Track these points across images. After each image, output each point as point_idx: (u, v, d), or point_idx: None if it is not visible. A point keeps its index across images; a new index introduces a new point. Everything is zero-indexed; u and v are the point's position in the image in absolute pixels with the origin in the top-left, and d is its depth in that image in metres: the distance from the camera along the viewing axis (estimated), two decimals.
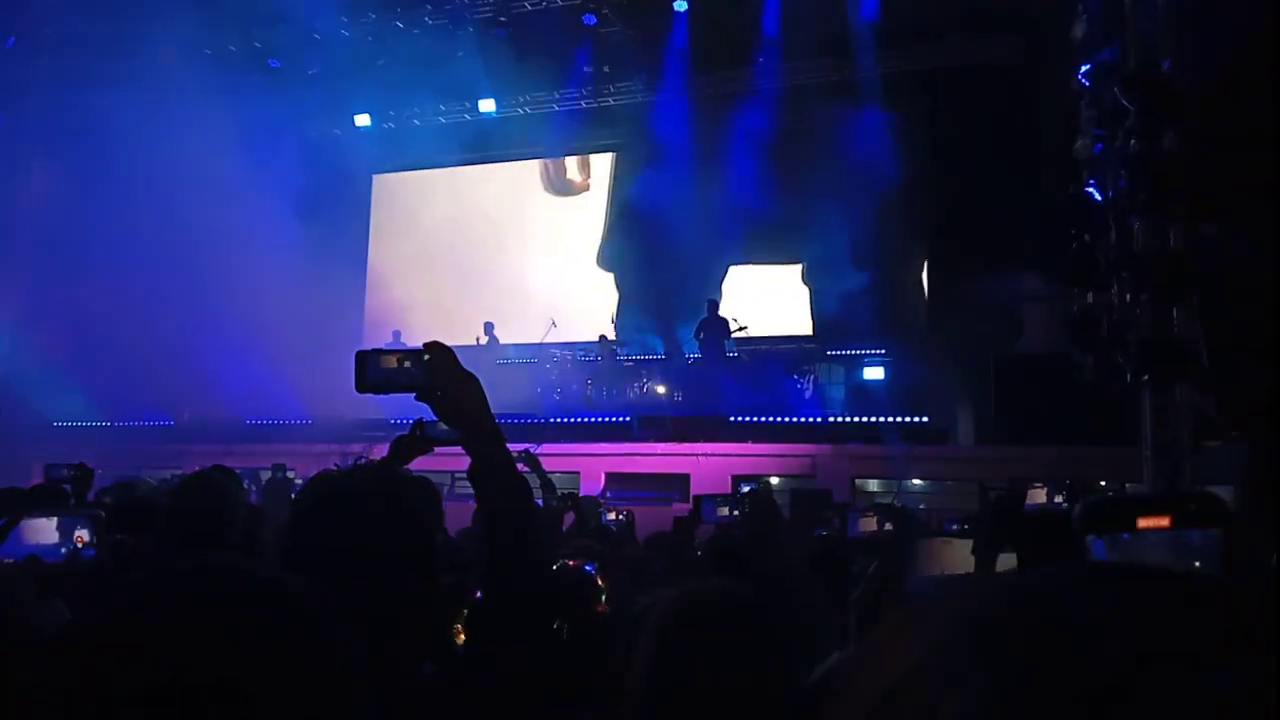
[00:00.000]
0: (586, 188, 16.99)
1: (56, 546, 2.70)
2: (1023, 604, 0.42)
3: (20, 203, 14.42)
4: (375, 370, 1.68)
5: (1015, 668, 0.39)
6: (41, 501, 3.98)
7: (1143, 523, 0.75)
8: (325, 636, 0.70)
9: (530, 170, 17.26)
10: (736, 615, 1.48)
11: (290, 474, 6.31)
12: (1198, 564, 0.76)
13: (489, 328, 15.01)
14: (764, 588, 1.81)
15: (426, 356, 1.64)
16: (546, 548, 1.67)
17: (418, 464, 2.10)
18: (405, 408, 1.72)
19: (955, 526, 5.53)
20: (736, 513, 4.27)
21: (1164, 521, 0.75)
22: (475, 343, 14.86)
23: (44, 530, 2.70)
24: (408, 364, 1.66)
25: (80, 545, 2.73)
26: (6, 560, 2.55)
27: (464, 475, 1.63)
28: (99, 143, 14.05)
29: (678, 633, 1.46)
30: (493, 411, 1.66)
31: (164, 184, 14.08)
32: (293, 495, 4.93)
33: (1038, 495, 3.94)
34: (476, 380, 1.66)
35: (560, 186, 17.16)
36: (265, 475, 8.05)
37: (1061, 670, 0.38)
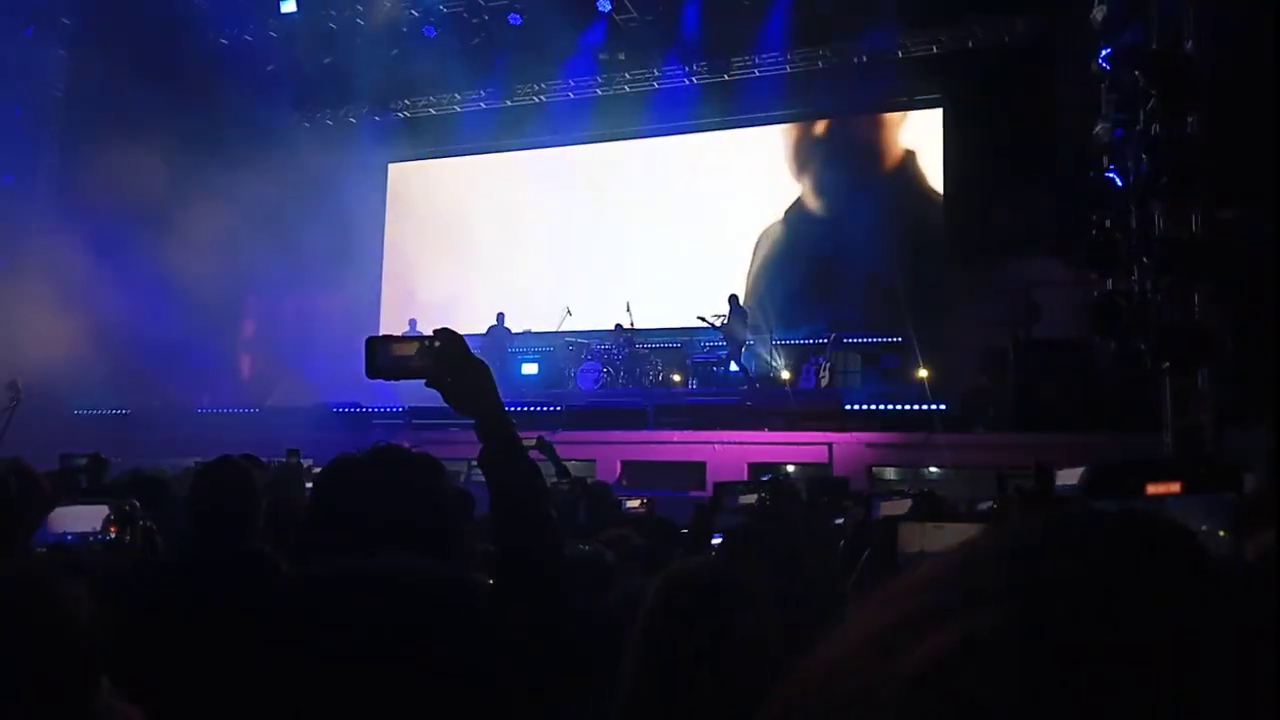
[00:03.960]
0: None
1: (88, 534, 2.72)
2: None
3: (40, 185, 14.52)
4: (385, 357, 1.68)
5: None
6: (75, 489, 4.02)
7: (1152, 489, 0.72)
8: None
9: (546, 158, 17.24)
10: (722, 591, 1.48)
11: (308, 462, 6.34)
12: (1205, 526, 0.74)
13: (500, 318, 15.02)
14: (779, 573, 1.80)
15: (436, 343, 1.64)
16: (560, 532, 1.66)
17: (434, 450, 2.09)
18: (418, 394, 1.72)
19: (985, 506, 5.48)
20: (759, 496, 4.26)
21: (1174, 488, 0.73)
22: (486, 331, 14.85)
23: (77, 517, 2.72)
24: (418, 351, 1.66)
25: (114, 534, 2.74)
26: (41, 547, 2.57)
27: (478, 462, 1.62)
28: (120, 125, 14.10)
29: (664, 610, 1.46)
30: (508, 399, 1.65)
31: (181, 169, 14.14)
32: (306, 481, 4.94)
33: (1069, 478, 3.82)
34: (486, 367, 1.65)
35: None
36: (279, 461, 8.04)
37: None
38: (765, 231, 15.57)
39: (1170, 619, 0.34)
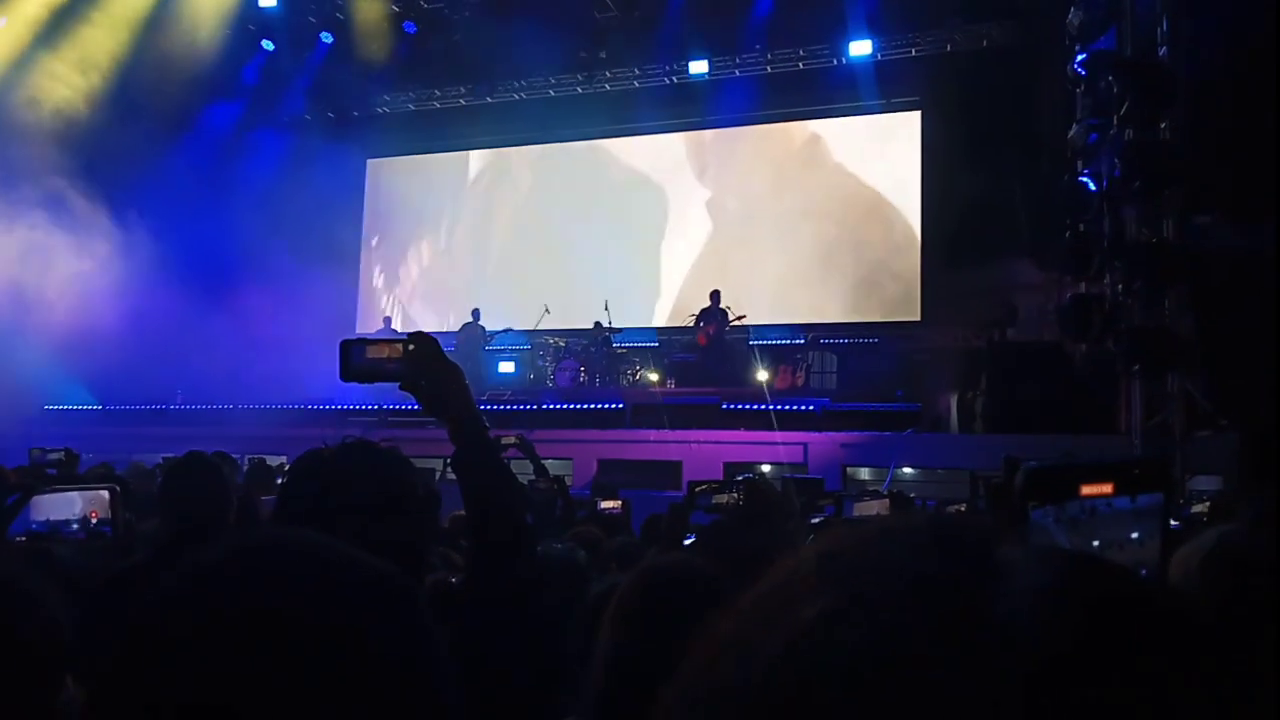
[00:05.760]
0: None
1: (70, 521, 2.69)
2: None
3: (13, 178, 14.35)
4: (359, 360, 1.69)
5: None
6: (56, 477, 3.97)
7: (1086, 490, 0.73)
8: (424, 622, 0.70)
9: (522, 155, 17.22)
10: (694, 587, 1.49)
11: (280, 459, 6.33)
12: (1135, 534, 0.75)
13: (476, 315, 14.92)
14: (747, 571, 1.81)
15: (411, 346, 1.65)
16: (533, 533, 1.67)
17: (409, 448, 2.09)
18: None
19: (953, 509, 5.53)
20: (734, 495, 4.26)
21: (1107, 488, 0.74)
22: (460, 328, 14.76)
23: (58, 505, 2.69)
24: (392, 354, 1.66)
25: (95, 520, 2.72)
26: (19, 536, 2.54)
27: (451, 464, 1.63)
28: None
29: (635, 607, 1.47)
30: (487, 397, 1.66)
31: (155, 164, 14.02)
32: (278, 480, 4.92)
33: None
34: (460, 370, 1.66)
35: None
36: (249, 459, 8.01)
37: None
38: (743, 231, 15.59)
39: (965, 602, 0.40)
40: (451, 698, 0.69)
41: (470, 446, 1.61)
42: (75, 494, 2.63)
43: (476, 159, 17.62)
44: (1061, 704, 0.36)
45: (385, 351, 1.68)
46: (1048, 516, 0.70)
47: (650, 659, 1.43)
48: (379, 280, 17.84)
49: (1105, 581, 0.41)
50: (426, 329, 1.73)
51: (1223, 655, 0.38)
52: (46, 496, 2.55)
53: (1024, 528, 0.70)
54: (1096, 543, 0.73)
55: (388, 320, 16.24)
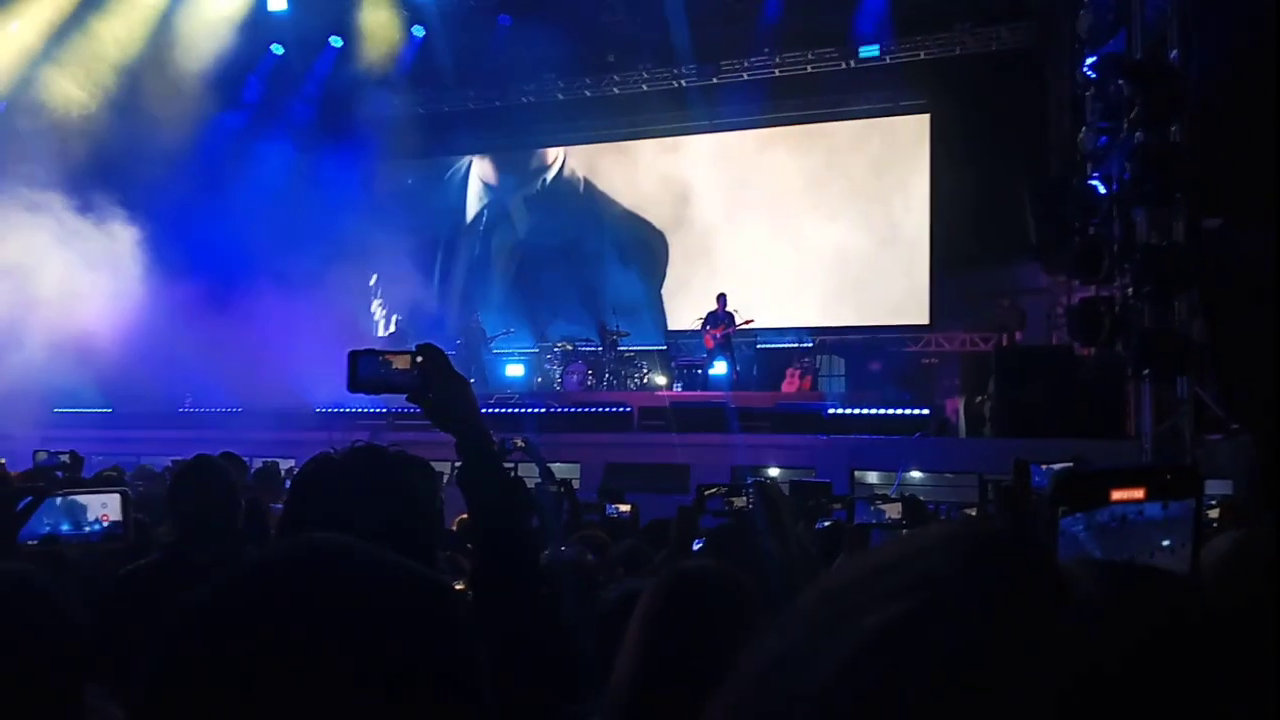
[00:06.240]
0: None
1: (82, 524, 2.70)
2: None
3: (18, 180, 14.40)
4: (368, 370, 1.68)
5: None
6: (68, 481, 3.98)
7: (1117, 495, 0.72)
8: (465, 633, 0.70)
9: (534, 159, 17.24)
10: (723, 593, 1.48)
11: (289, 463, 6.34)
12: (1167, 542, 0.74)
13: (476, 318, 14.92)
14: (763, 574, 1.80)
15: (419, 358, 1.64)
16: (539, 544, 1.66)
17: (416, 452, 2.09)
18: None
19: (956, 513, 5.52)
20: (743, 501, 4.26)
21: (1138, 494, 0.72)
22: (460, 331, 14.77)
23: (70, 508, 2.70)
24: (400, 365, 1.66)
25: (106, 523, 2.73)
26: (31, 540, 2.55)
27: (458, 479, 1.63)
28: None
29: (665, 612, 1.46)
30: (494, 400, 1.66)
31: (166, 165, 14.06)
32: (285, 483, 4.92)
33: (1048, 475, 3.83)
34: (467, 383, 1.66)
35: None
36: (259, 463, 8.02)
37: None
38: (751, 234, 15.58)
39: (1006, 610, 0.40)
40: (491, 699, 0.69)
41: (476, 459, 1.60)
42: (87, 497, 2.64)
43: (485, 163, 17.64)
44: (1129, 715, 0.36)
45: (393, 363, 1.68)
46: (1077, 524, 0.68)
47: (679, 662, 1.42)
48: (388, 283, 17.84)
49: (1169, 594, 0.41)
50: (432, 336, 1.73)
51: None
52: (58, 500, 2.55)
53: (1054, 536, 0.68)
54: (1128, 552, 0.71)
55: (400, 323, 16.26)
